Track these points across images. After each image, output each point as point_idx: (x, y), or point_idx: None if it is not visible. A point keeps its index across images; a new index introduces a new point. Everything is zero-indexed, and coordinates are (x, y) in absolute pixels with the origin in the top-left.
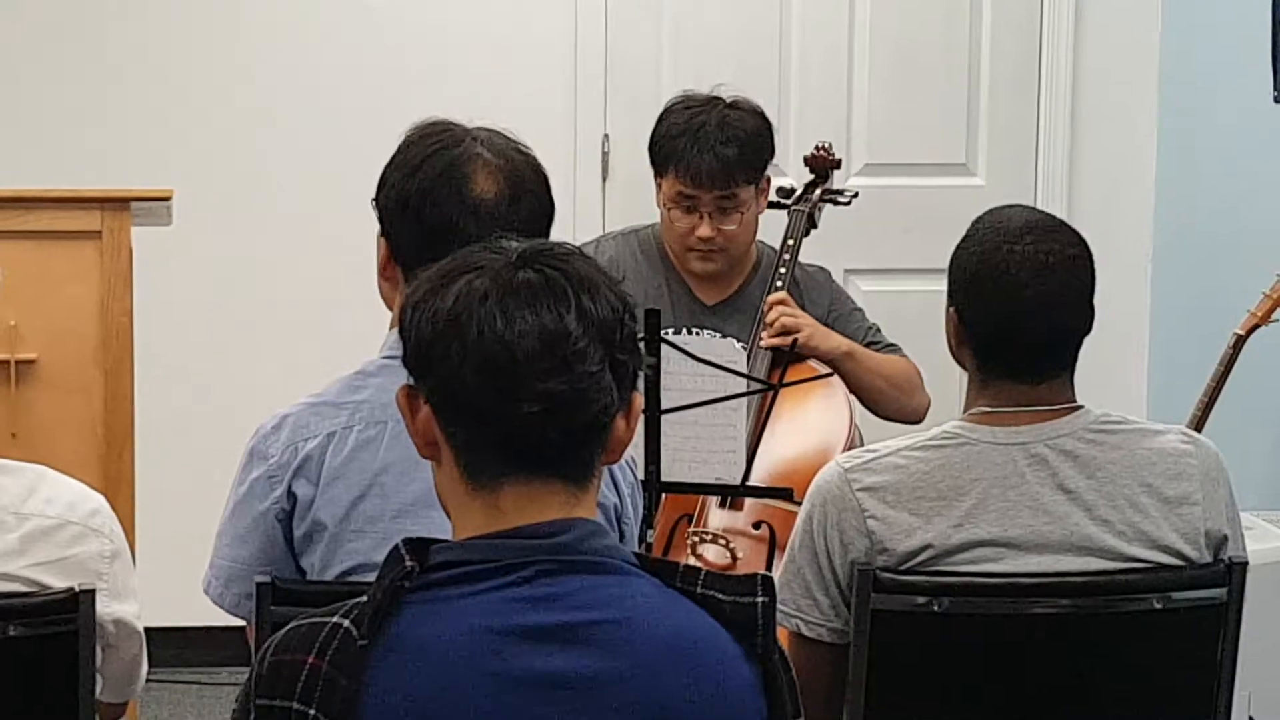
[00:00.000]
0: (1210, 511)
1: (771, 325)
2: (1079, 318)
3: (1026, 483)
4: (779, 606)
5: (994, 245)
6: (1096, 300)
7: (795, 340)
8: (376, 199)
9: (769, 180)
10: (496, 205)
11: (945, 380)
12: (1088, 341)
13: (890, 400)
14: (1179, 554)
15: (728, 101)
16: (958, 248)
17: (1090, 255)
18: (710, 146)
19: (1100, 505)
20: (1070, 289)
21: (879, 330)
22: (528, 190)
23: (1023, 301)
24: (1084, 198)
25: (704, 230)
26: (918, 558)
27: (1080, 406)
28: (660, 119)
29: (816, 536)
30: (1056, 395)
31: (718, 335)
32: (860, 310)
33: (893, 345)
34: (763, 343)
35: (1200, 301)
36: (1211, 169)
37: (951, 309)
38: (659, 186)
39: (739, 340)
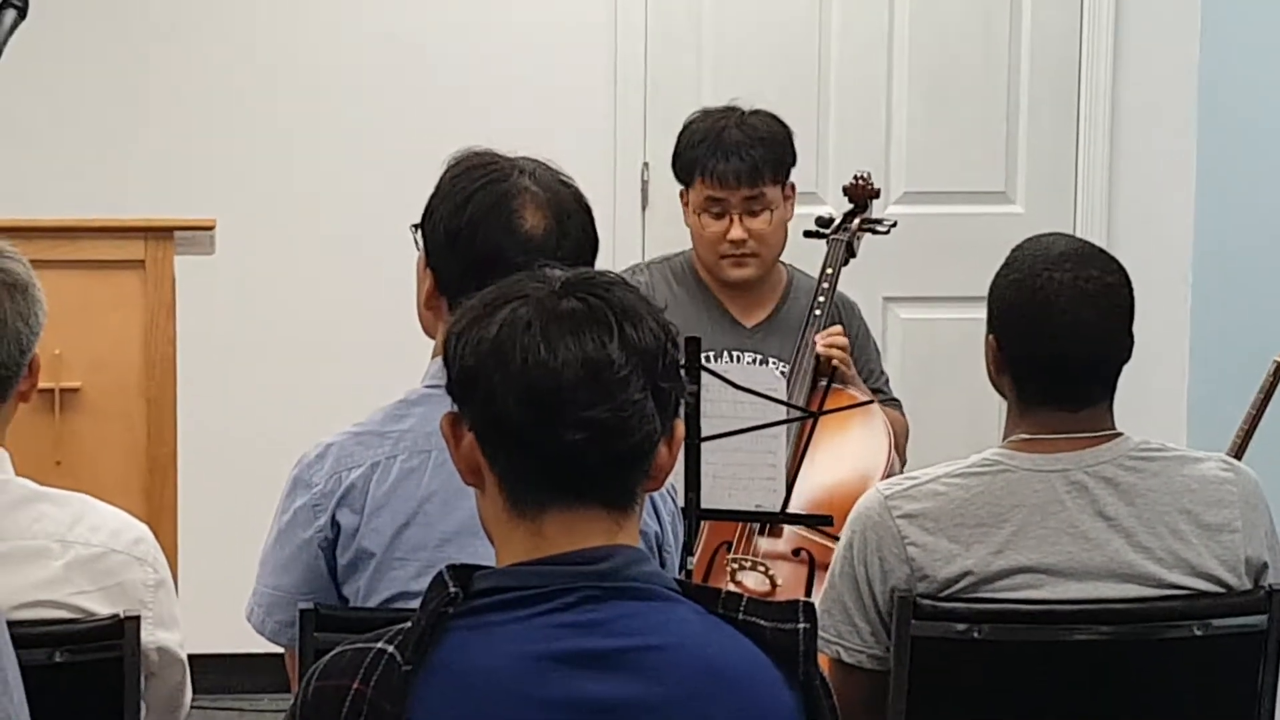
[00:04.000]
0: (1250, 538)
1: (833, 348)
2: (1118, 345)
3: (1066, 510)
4: (820, 633)
5: (1033, 273)
6: (1136, 326)
7: (835, 371)
8: (421, 228)
9: (794, 187)
10: (545, 239)
11: (984, 408)
12: (1127, 367)
13: None
14: (1219, 581)
15: (747, 110)
16: (997, 276)
17: (1130, 283)
18: (735, 147)
19: (1140, 532)
20: (1109, 316)
21: (888, 381)
22: (574, 223)
23: (1062, 328)
24: (1123, 224)
25: (735, 232)
26: (958, 584)
27: (1120, 434)
28: (681, 134)
29: (857, 563)
30: (1096, 423)
31: (758, 358)
32: (878, 352)
33: (895, 400)
34: (819, 345)
35: (1240, 327)
36: (1250, 195)
37: (991, 336)
38: (686, 201)
39: (780, 361)
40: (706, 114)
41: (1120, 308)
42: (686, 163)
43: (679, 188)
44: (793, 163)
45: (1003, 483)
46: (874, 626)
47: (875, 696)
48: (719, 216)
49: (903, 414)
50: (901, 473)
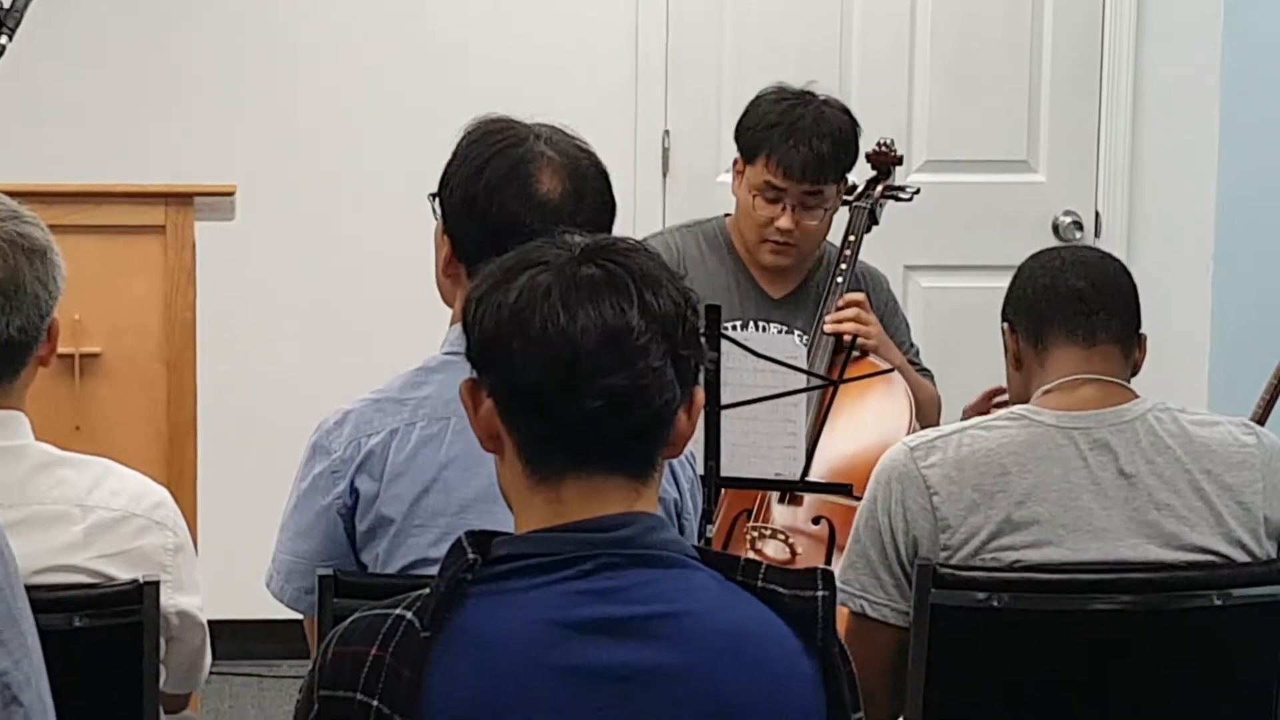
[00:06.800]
0: (1271, 500)
1: (843, 322)
2: (1122, 284)
3: (1088, 466)
4: (843, 587)
5: (1043, 259)
6: (1157, 307)
7: (856, 339)
8: (439, 196)
9: (848, 182)
10: (561, 203)
11: (1004, 377)
12: (1149, 351)
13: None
14: (1238, 541)
15: (821, 98)
16: (1008, 288)
17: (1131, 276)
18: (806, 139)
19: (1160, 490)
20: (1113, 266)
21: (919, 353)
22: (591, 188)
23: (1068, 262)
24: (1145, 195)
25: (784, 222)
26: (979, 535)
27: (1139, 396)
28: (752, 106)
29: (880, 514)
30: (1111, 362)
31: (784, 329)
32: (906, 325)
33: (927, 370)
34: (827, 328)
35: (1263, 300)
36: (1275, 165)
37: (1005, 324)
38: (740, 173)
39: (805, 334)
40: (782, 94)
41: (1123, 271)
42: (753, 141)
43: (735, 155)
44: (855, 162)
45: (1026, 435)
46: (898, 579)
47: (899, 653)
48: (772, 202)
49: (935, 387)
50: None
